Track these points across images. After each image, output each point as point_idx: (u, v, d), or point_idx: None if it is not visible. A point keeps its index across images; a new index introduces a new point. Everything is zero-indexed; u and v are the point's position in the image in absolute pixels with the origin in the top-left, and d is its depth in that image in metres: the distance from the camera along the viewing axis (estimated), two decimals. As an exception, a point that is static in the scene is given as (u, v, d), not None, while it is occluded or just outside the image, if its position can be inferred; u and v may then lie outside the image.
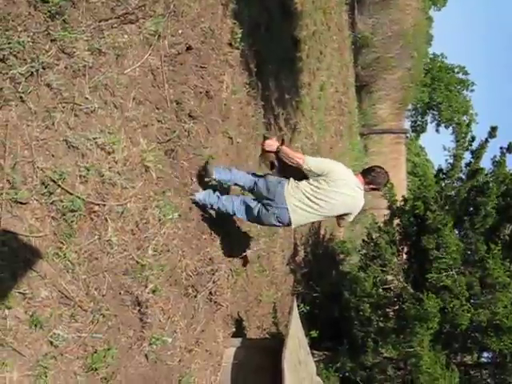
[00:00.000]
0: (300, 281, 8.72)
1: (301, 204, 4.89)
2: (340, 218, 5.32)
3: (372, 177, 5.11)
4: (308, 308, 8.42)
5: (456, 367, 6.87)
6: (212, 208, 5.22)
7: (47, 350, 3.37)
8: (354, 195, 5.02)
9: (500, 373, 7.37)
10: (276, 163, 5.20)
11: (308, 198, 4.89)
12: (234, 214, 5.20)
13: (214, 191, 5.22)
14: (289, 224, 5.03)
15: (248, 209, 5.11)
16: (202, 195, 5.12)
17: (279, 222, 5.02)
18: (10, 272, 3.14)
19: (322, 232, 10.36)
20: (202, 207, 5.24)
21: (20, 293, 3.18)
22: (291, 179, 5.00)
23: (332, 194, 4.88)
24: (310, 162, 4.90)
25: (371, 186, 5.14)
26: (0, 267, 3.06)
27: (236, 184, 5.31)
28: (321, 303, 8.73)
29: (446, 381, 6.36)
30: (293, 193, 4.89)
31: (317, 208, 4.92)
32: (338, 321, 8.45)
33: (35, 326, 3.25)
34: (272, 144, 5.13)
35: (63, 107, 3.60)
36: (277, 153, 5.08)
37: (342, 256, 10.63)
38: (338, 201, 4.92)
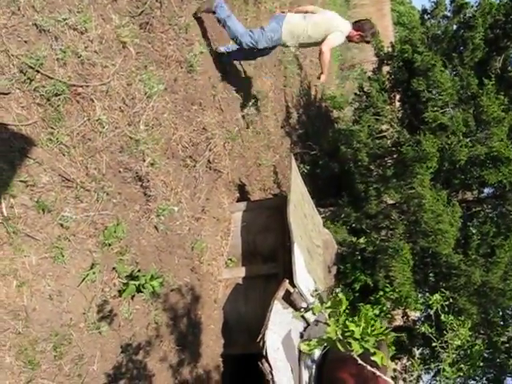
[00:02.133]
0: (297, 142, 8.76)
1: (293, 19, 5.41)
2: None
3: (360, 24, 5.62)
4: (308, 168, 8.52)
5: (458, 204, 7.06)
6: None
7: (59, 232, 3.49)
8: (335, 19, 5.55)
9: (501, 204, 7.57)
10: None
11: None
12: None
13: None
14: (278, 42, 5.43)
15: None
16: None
17: (272, 36, 5.35)
18: (8, 162, 3.18)
19: (313, 92, 10.26)
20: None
21: (21, 181, 3.24)
22: None
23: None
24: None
25: (359, 33, 5.59)
26: (-3, 158, 3.10)
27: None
28: (320, 162, 8.81)
29: (448, 216, 6.57)
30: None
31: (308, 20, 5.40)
32: (339, 177, 8.58)
33: (43, 210, 3.35)
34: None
35: (25, -11, 3.46)
36: None
37: (335, 114, 10.62)
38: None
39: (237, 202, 6.09)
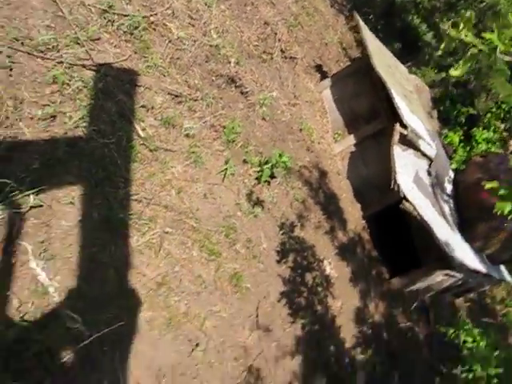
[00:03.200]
0: (348, 16, 8.69)
1: None
2: None
3: None
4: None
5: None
6: None
7: (188, 142, 3.86)
8: None
9: None
10: None
11: None
12: None
13: None
14: None
15: None
16: None
17: None
18: (125, 93, 3.54)
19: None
20: None
21: (142, 106, 3.61)
22: None
23: None
24: None
25: None
26: (114, 92, 3.46)
27: None
28: (379, 25, 8.71)
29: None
30: None
31: None
32: (402, 33, 8.51)
33: (168, 124, 3.71)
34: None
35: None
36: None
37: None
38: None
39: (320, 81, 6.26)
